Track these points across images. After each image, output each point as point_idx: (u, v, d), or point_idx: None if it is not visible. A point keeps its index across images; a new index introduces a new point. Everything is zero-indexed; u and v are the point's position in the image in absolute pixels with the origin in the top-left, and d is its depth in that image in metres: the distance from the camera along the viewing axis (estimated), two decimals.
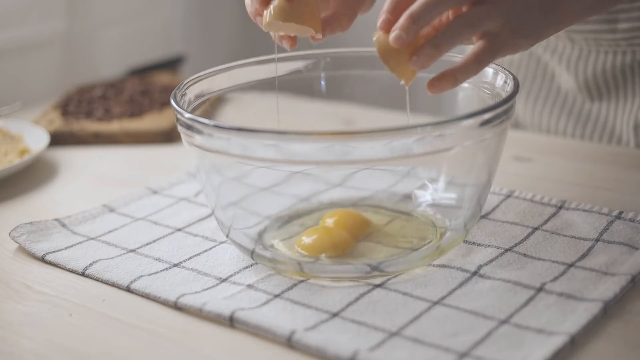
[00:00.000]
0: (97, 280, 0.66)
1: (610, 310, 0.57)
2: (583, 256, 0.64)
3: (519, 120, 1.00)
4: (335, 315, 0.58)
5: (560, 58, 0.92)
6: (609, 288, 0.59)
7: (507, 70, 0.67)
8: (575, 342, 0.54)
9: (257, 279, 0.64)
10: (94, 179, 0.90)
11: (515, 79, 0.64)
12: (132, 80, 1.18)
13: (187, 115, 0.61)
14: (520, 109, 0.99)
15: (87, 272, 0.67)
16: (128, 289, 0.64)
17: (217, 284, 0.64)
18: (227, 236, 0.67)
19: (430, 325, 0.56)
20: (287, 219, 0.73)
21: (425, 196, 0.72)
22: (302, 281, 0.63)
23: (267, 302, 0.61)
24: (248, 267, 0.66)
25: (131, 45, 1.41)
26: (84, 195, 0.85)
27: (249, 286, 0.63)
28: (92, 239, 0.72)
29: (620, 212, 0.69)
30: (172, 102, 0.64)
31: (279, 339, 0.56)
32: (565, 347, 0.53)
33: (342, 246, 0.66)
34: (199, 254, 0.69)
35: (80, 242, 0.72)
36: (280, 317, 0.58)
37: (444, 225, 0.68)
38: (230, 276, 0.65)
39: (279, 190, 0.74)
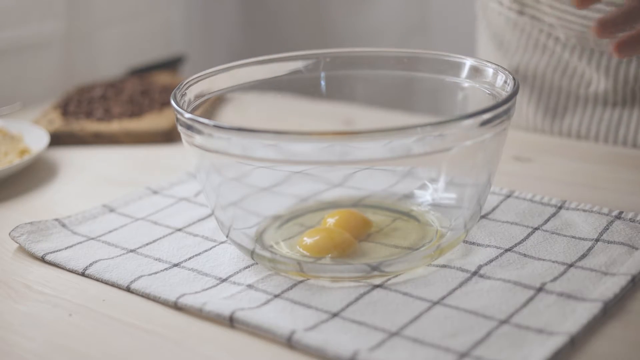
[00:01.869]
0: (97, 280, 0.66)
1: (610, 310, 0.57)
2: (583, 256, 0.64)
3: (537, 127, 0.99)
4: (335, 315, 0.58)
5: (599, 64, 0.91)
6: (608, 288, 0.59)
7: (507, 70, 0.67)
8: (575, 342, 0.54)
9: (257, 279, 0.64)
10: (94, 179, 0.90)
11: (515, 79, 0.64)
12: (132, 80, 1.18)
13: (187, 115, 0.61)
14: (538, 120, 0.98)
15: (87, 272, 0.67)
16: (128, 289, 0.64)
17: (217, 284, 0.64)
18: (227, 236, 0.67)
19: (430, 325, 0.56)
20: (287, 219, 0.73)
21: (425, 196, 0.72)
22: (302, 281, 0.63)
23: (267, 302, 0.61)
24: (248, 267, 0.66)
25: (131, 45, 1.41)
26: (84, 195, 0.85)
27: (249, 286, 0.63)
28: (92, 239, 0.72)
29: (620, 212, 0.69)
30: (172, 102, 0.64)
31: (279, 339, 0.56)
32: (565, 347, 0.53)
33: (344, 247, 0.66)
34: (199, 254, 0.69)
35: (80, 242, 0.72)
36: (280, 317, 0.58)
37: (444, 225, 0.68)
38: (230, 276, 0.65)
39: (279, 190, 0.74)
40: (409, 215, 0.72)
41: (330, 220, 0.70)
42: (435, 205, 0.71)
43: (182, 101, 0.66)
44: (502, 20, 0.98)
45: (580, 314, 0.56)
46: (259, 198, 0.72)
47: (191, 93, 0.69)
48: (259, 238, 0.69)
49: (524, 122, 1.00)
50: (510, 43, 0.98)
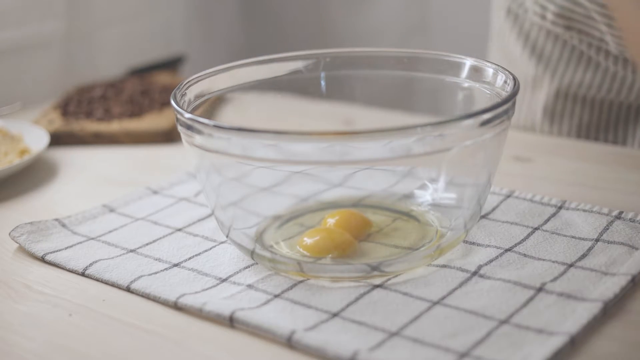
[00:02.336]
0: (97, 280, 0.66)
1: (610, 310, 0.57)
2: (583, 256, 0.64)
3: (588, 137, 0.98)
4: (335, 315, 0.58)
5: None
6: (608, 288, 0.58)
7: (507, 71, 0.66)
8: (575, 342, 0.54)
9: (257, 279, 0.64)
10: (94, 179, 0.90)
11: (515, 78, 0.64)
12: (132, 80, 1.18)
13: (187, 115, 0.61)
14: (583, 132, 0.97)
15: (87, 272, 0.67)
16: (128, 289, 0.64)
17: (217, 284, 0.64)
18: (227, 236, 0.67)
19: (430, 325, 0.56)
20: (287, 219, 0.73)
21: (425, 196, 0.72)
22: (301, 281, 0.63)
23: (267, 302, 0.61)
24: (248, 267, 0.66)
25: (131, 45, 1.41)
26: (84, 195, 0.85)
27: (249, 286, 0.63)
28: (92, 239, 0.72)
29: (620, 212, 0.69)
30: (172, 102, 0.64)
31: (279, 339, 0.56)
32: (565, 347, 0.53)
33: (344, 247, 0.66)
34: (199, 254, 0.69)
35: (80, 242, 0.72)
36: (280, 317, 0.58)
37: (444, 225, 0.68)
38: (230, 276, 0.65)
39: (279, 190, 0.74)
40: (409, 215, 0.72)
41: (331, 221, 0.70)
42: (435, 205, 0.71)
43: (182, 101, 0.66)
44: (543, 34, 0.97)
45: (580, 314, 0.56)
46: (259, 198, 0.72)
47: (191, 93, 0.69)
48: (259, 238, 0.69)
49: (565, 133, 0.98)
50: (551, 56, 0.97)
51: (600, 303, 0.57)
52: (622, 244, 0.65)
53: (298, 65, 0.75)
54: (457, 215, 0.67)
